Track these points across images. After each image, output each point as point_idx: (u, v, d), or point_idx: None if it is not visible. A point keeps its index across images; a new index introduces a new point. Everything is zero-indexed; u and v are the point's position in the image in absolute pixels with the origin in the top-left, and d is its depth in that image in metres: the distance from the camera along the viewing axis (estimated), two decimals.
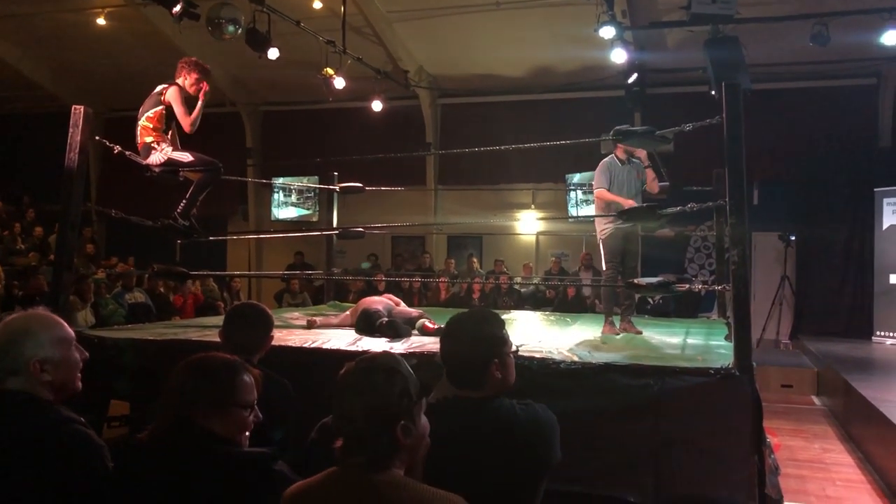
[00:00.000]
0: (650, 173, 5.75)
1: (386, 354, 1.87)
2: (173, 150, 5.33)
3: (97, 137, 5.16)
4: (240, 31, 8.86)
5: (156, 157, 5.27)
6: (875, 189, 10.82)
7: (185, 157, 5.36)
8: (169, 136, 5.38)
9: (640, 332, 5.56)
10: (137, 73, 13.74)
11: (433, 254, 13.86)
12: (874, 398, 6.04)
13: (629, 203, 5.47)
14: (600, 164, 5.82)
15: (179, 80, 5.39)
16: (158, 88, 5.40)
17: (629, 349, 4.32)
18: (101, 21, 11.61)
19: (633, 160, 5.77)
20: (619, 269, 5.70)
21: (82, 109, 4.68)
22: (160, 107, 5.33)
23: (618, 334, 5.54)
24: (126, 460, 2.00)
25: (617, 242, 5.70)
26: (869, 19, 9.20)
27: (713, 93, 8.79)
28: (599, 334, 5.46)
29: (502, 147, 6.04)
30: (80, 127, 4.62)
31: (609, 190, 5.68)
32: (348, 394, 1.73)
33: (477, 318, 2.29)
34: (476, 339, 2.19)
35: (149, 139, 5.31)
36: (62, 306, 4.57)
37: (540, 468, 2.11)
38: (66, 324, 2.29)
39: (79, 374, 2.27)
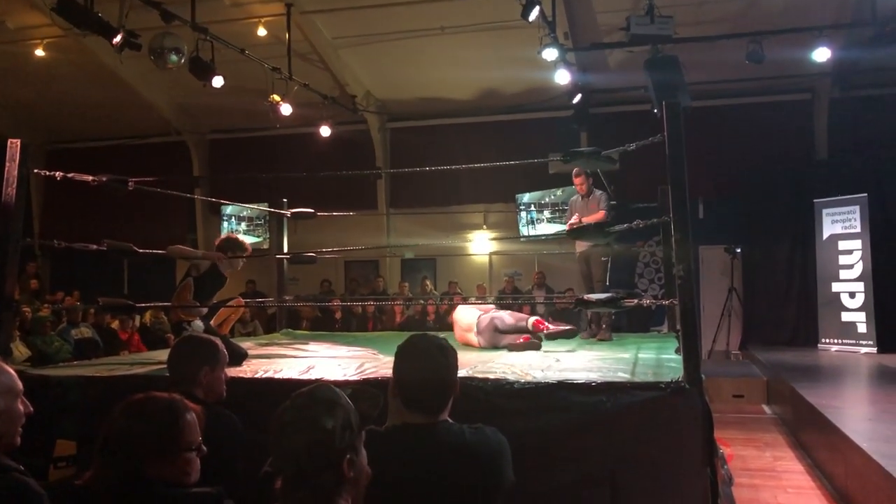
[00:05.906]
0: None
1: (324, 387, 1.80)
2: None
3: (35, 170, 5.00)
4: (183, 59, 8.79)
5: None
6: (814, 200, 11.15)
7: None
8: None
9: (611, 338, 6.37)
10: (79, 104, 13.57)
11: (387, 277, 13.82)
12: (820, 405, 6.18)
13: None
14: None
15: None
16: None
17: (581, 366, 4.35)
18: (39, 52, 11.34)
19: (594, 191, 6.76)
20: (587, 290, 6.66)
21: (18, 143, 4.54)
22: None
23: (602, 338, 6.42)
24: None
25: (581, 265, 6.84)
26: (801, 37, 9.57)
27: (655, 111, 9.01)
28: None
29: (452, 167, 5.99)
30: (16, 161, 4.48)
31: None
32: (288, 431, 1.68)
33: (442, 346, 2.25)
34: (448, 368, 2.21)
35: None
36: (2, 348, 4.42)
37: (492, 492, 2.10)
38: (15, 375, 2.22)
39: (20, 429, 2.21)
